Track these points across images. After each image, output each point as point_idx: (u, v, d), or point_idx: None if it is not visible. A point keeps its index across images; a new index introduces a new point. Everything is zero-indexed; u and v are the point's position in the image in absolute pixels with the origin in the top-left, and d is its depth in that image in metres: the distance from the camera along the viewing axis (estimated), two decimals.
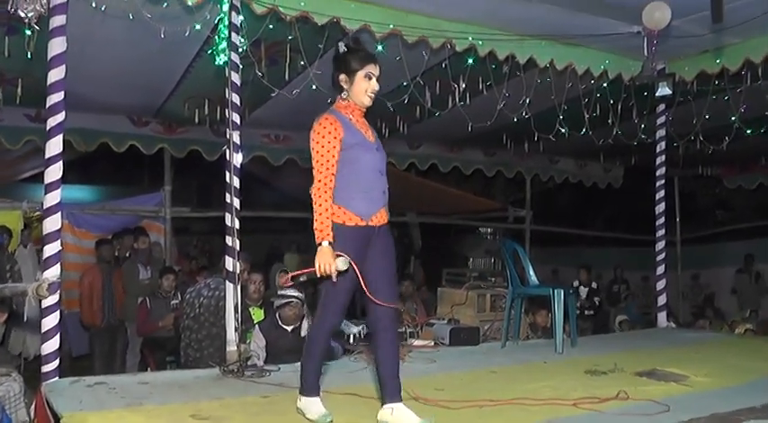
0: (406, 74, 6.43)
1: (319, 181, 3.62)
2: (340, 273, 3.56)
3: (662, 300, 8.16)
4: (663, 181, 8.12)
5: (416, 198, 13.03)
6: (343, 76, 3.79)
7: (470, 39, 6.36)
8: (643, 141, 8.72)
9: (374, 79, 3.80)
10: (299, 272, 3.84)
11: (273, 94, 6.91)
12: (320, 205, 3.60)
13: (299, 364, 5.46)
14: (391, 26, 5.96)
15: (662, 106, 8.07)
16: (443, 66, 6.68)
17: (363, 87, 3.77)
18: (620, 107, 8.06)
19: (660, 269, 8.14)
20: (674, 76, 7.27)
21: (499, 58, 6.62)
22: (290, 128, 10.32)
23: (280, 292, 6.35)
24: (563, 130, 7.92)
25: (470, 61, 6.73)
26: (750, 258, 13.88)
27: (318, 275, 3.60)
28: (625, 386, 4.61)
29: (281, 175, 12.50)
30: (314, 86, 6.19)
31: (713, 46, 7.18)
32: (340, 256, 3.55)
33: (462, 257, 7.86)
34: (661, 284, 8.16)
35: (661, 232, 8.10)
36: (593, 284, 11.12)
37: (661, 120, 8.14)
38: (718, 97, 7.92)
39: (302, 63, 6.20)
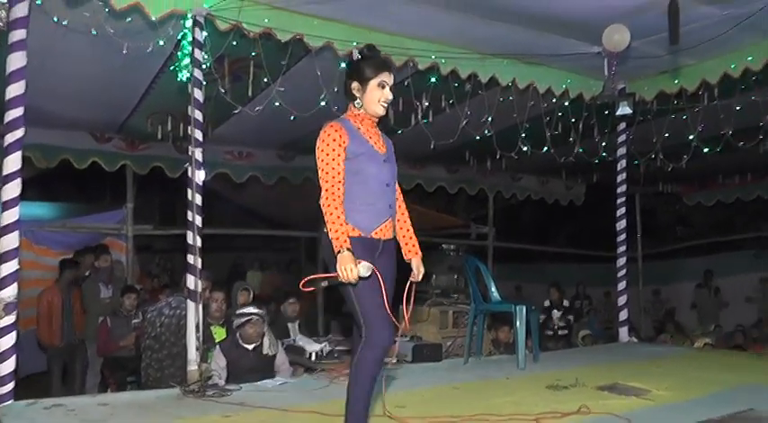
0: None
1: (326, 190, 3.50)
2: (363, 279, 3.41)
3: (623, 315, 8.25)
4: (623, 198, 8.26)
5: None
6: (355, 84, 3.67)
7: (433, 57, 6.42)
8: (604, 159, 8.85)
9: (387, 88, 3.68)
10: (320, 275, 3.71)
11: (236, 111, 6.90)
12: (331, 214, 3.46)
13: (260, 382, 5.47)
14: (354, 43, 5.93)
15: (622, 125, 8.23)
16: (406, 84, 6.71)
17: (376, 96, 3.65)
18: (581, 126, 8.16)
19: (621, 285, 8.25)
20: (635, 96, 7.42)
21: (461, 76, 6.71)
22: (253, 145, 10.30)
23: (238, 311, 6.32)
24: (525, 148, 8.01)
25: (433, 79, 6.79)
26: (709, 274, 14.09)
27: (341, 281, 3.42)
28: (586, 400, 4.65)
29: (245, 193, 12.44)
30: (277, 103, 6.22)
31: (671, 67, 7.36)
32: (362, 262, 3.39)
33: (425, 274, 7.84)
34: (622, 300, 8.26)
35: (622, 248, 8.22)
36: (565, 303, 11.11)
37: (622, 138, 8.29)
38: (676, 116, 8.09)
39: (265, 80, 6.17)
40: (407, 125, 7.49)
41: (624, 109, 7.18)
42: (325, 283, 3.61)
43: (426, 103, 7.11)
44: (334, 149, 3.53)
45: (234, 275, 13.97)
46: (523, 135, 7.81)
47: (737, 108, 7.57)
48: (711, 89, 7.35)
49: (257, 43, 5.73)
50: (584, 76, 7.60)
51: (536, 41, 6.59)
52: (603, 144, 8.66)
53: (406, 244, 3.93)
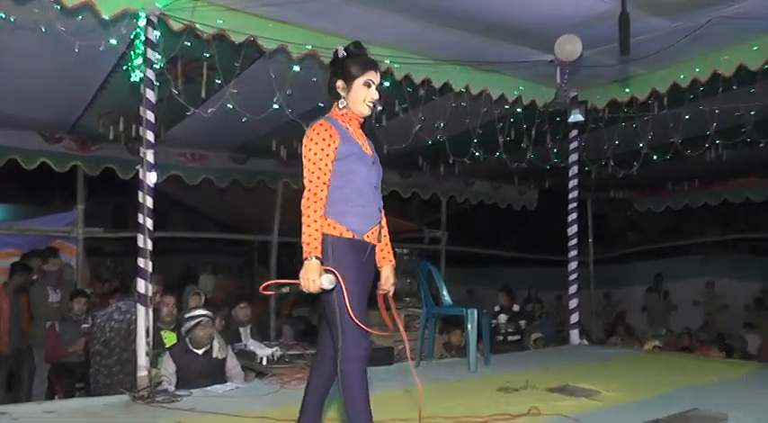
0: (323, 95, 6.43)
1: (309, 190, 3.33)
2: (325, 291, 3.27)
3: (574, 318, 8.36)
4: (575, 204, 8.36)
5: None
6: (340, 83, 3.53)
7: (387, 62, 6.42)
8: (556, 165, 8.96)
9: (374, 87, 3.55)
10: (282, 281, 3.49)
11: (189, 113, 6.87)
12: (308, 217, 3.29)
13: (210, 387, 5.42)
14: (308, 47, 5.98)
15: (574, 132, 8.34)
16: None
17: (362, 96, 3.52)
18: (533, 132, 8.24)
19: (572, 288, 8.35)
20: (586, 104, 7.56)
21: (415, 81, 6.74)
22: (206, 147, 10.23)
23: (187, 315, 6.24)
24: (477, 154, 8.07)
25: (386, 84, 6.78)
26: (659, 277, 14.37)
27: (303, 290, 3.27)
28: (537, 402, 4.71)
29: (197, 195, 12.34)
30: (230, 105, 6.18)
31: (623, 76, 7.52)
32: (328, 272, 3.26)
33: (378, 278, 7.86)
34: (573, 303, 8.36)
35: (573, 253, 8.32)
36: (515, 307, 11.15)
37: (573, 145, 8.40)
38: (627, 125, 8.24)
39: (219, 81, 6.13)
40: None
41: (576, 116, 7.32)
42: (285, 289, 3.48)
43: (380, 108, 7.09)
44: (323, 149, 3.37)
45: (186, 279, 13.85)
46: (476, 141, 7.90)
47: (686, 117, 7.76)
48: (661, 98, 7.52)
49: (211, 44, 5.67)
50: (537, 83, 7.68)
51: (490, 49, 6.65)
52: (555, 150, 8.79)
53: (382, 250, 3.75)
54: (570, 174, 8.40)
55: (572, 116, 7.36)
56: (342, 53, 3.58)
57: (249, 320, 8.20)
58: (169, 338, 6.68)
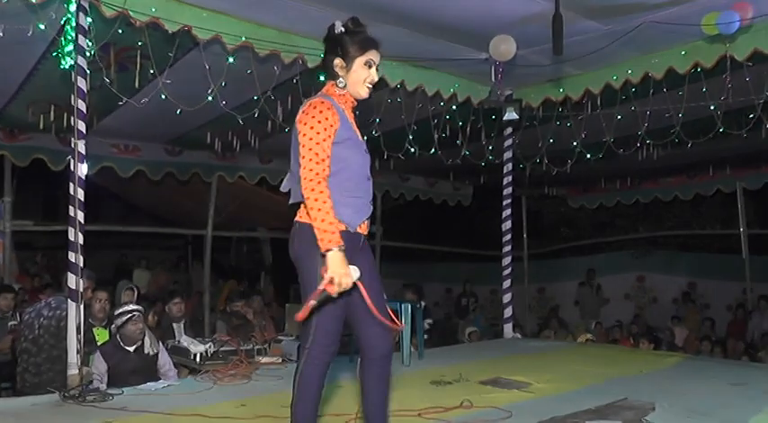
0: (256, 87, 6.41)
1: (314, 172, 3.00)
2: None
3: (508, 312, 8.48)
4: (509, 200, 8.48)
5: (267, 213, 12.94)
6: (338, 61, 3.28)
7: (322, 55, 6.35)
8: (491, 162, 9.04)
9: (374, 68, 3.32)
10: (310, 301, 2.97)
11: (122, 103, 6.72)
12: (324, 202, 2.97)
13: (142, 385, 5.31)
14: (243, 38, 5.92)
15: (509, 129, 8.47)
16: (295, 81, 6.65)
17: (362, 76, 3.30)
18: (468, 129, 8.32)
19: (506, 283, 8.47)
20: (521, 102, 7.69)
21: None
22: (139, 138, 10.05)
23: (118, 311, 6.05)
24: (413, 150, 8.10)
25: (322, 78, 6.73)
26: (591, 272, 14.63)
27: (332, 293, 2.94)
28: (469, 395, 4.78)
29: (131, 188, 12.12)
30: (164, 96, 6.08)
31: (557, 76, 7.65)
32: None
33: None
34: (507, 297, 8.49)
35: (507, 248, 8.46)
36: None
37: (508, 142, 8.53)
38: (561, 123, 8.38)
39: (152, 71, 6.00)
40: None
41: (511, 114, 7.41)
42: (314, 302, 2.98)
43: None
44: (325, 129, 3.08)
45: (120, 274, 13.63)
46: (411, 137, 7.91)
47: (618, 117, 7.92)
48: (594, 98, 7.69)
49: (144, 32, 5.55)
50: (472, 81, 7.74)
51: (425, 45, 6.68)
52: (490, 147, 8.88)
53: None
54: (505, 170, 8.52)
55: (507, 114, 7.45)
56: (339, 29, 3.35)
57: (183, 316, 8.09)
58: (101, 335, 6.53)
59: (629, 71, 7.13)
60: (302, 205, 3.19)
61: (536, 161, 9.12)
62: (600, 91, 7.47)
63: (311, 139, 3.05)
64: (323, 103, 3.16)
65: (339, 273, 2.90)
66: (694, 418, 4.45)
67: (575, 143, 8.42)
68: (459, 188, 14.12)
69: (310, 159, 3.03)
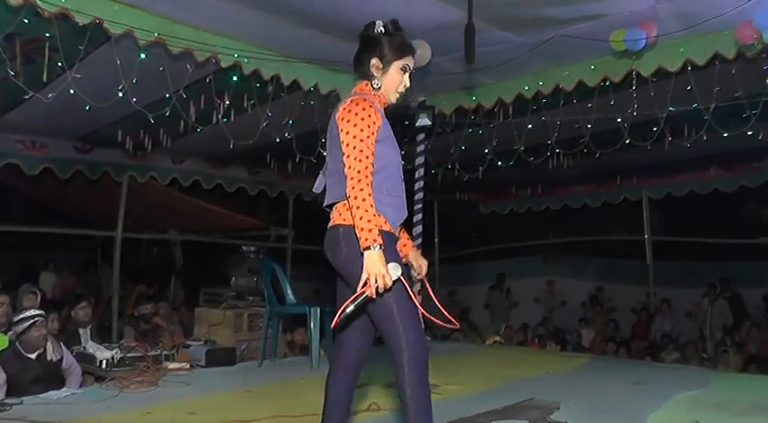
0: (169, 86, 6.27)
1: (359, 171, 2.89)
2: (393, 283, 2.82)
3: None
4: (421, 205, 8.53)
5: (179, 215, 12.72)
6: (375, 61, 3.18)
7: (236, 56, 6.34)
8: (403, 167, 9.07)
9: (407, 74, 3.25)
10: (346, 304, 2.81)
11: (28, 97, 6.44)
12: (364, 200, 2.85)
13: (44, 394, 5.10)
14: (156, 35, 5.77)
15: (421, 135, 8.50)
16: (208, 80, 6.58)
17: (397, 81, 3.22)
18: None
19: (417, 287, 8.49)
20: (434, 109, 7.77)
21: (264, 77, 6.65)
22: (47, 134, 9.65)
23: (19, 317, 5.80)
24: (324, 153, 8.06)
25: (235, 78, 6.70)
26: (502, 276, 14.88)
27: (371, 294, 2.79)
28: (377, 398, 4.79)
29: (37, 186, 11.70)
30: (72, 91, 5.90)
31: (470, 84, 7.76)
32: (390, 261, 2.82)
33: (225, 276, 7.81)
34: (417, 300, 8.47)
35: None
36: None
37: (420, 148, 8.58)
38: (473, 131, 8.49)
39: (61, 64, 5.74)
40: (208, 123, 7.34)
41: (423, 120, 7.51)
42: (351, 308, 2.81)
43: (228, 102, 6.98)
44: (369, 126, 2.98)
45: (25, 277, 13.13)
46: (323, 140, 7.87)
47: (529, 126, 8.08)
48: (506, 107, 7.82)
49: (53, 24, 5.31)
50: None
51: (340, 49, 6.64)
52: (403, 152, 8.89)
53: (400, 239, 3.31)
54: (417, 176, 8.56)
55: (419, 120, 7.55)
56: (380, 29, 3.23)
57: (90, 321, 7.86)
58: (1, 342, 6.26)
59: (541, 82, 7.31)
60: (340, 207, 3.10)
61: (448, 167, 9.22)
62: (512, 100, 7.63)
63: (355, 136, 2.95)
64: (365, 100, 3.06)
65: (376, 272, 2.77)
66: (597, 415, 4.60)
67: (486, 150, 8.56)
68: None
69: (355, 158, 2.92)
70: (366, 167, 2.92)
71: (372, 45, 3.21)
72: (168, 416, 4.27)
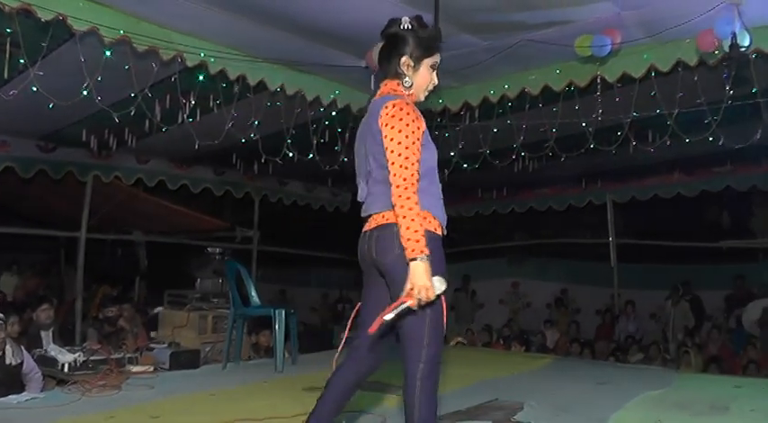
0: (134, 84, 6.18)
1: (404, 179, 2.81)
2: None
3: None
4: None
5: (144, 215, 12.61)
6: (405, 59, 3.09)
7: (202, 55, 6.29)
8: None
9: (435, 72, 3.17)
10: (387, 312, 2.76)
11: None
12: (410, 209, 2.78)
13: (4, 398, 5.01)
14: (121, 32, 5.69)
15: None
16: (173, 79, 6.53)
17: (427, 79, 3.16)
18: (347, 136, 8.34)
19: None
20: None
21: (230, 77, 6.61)
22: (9, 133, 9.49)
23: None
24: (291, 154, 8.05)
25: (201, 78, 6.66)
26: (467, 278, 14.95)
27: (413, 305, 2.75)
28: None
29: None
30: (35, 88, 5.79)
31: (437, 87, 7.69)
32: (435, 275, 2.78)
33: (190, 278, 7.77)
34: None
35: None
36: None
37: None
38: (440, 134, 8.50)
39: (23, 61, 5.65)
40: (174, 122, 7.29)
41: None
42: (391, 316, 2.77)
43: (193, 102, 6.92)
44: (413, 132, 2.89)
45: None
46: (290, 141, 7.87)
47: (495, 130, 8.13)
48: (472, 111, 7.87)
49: (14, 19, 5.22)
50: (353, 88, 7.78)
51: (306, 50, 6.68)
52: None
53: None
54: None
55: None
56: (407, 25, 3.12)
57: (52, 323, 7.76)
58: None
59: (507, 86, 7.37)
60: (388, 214, 3.00)
61: None
62: (478, 104, 7.68)
63: (400, 143, 2.87)
64: (407, 104, 2.97)
65: (421, 284, 2.73)
66: (560, 415, 4.67)
67: (452, 153, 8.57)
68: (337, 194, 14.12)
69: (401, 165, 2.84)
70: (412, 175, 2.84)
71: (401, 43, 3.13)
72: (131, 420, 4.25)
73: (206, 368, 6.48)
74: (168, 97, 6.90)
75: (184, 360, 6.34)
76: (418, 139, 2.90)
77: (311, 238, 17.04)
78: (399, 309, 2.74)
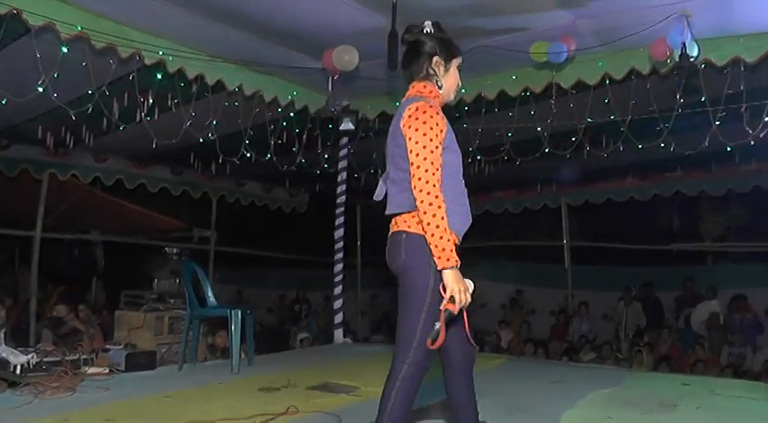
0: (92, 81, 6.11)
1: (427, 182, 2.85)
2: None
3: (339, 318, 8.62)
4: (343, 208, 8.63)
5: (101, 214, 12.48)
6: (437, 60, 3.13)
7: (160, 53, 6.28)
8: (326, 171, 9.15)
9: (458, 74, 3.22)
10: (440, 324, 2.87)
11: None
12: (434, 215, 2.82)
13: None
14: (79, 28, 5.64)
15: (345, 139, 8.61)
16: (131, 77, 6.45)
17: (456, 80, 3.21)
18: (305, 137, 8.40)
19: (337, 289, 8.60)
20: (358, 113, 7.81)
21: (188, 76, 6.61)
22: None
23: None
24: (249, 155, 8.06)
25: (159, 76, 6.62)
26: None
27: (455, 310, 2.87)
28: (297, 401, 4.82)
29: None
30: None
31: (394, 90, 7.85)
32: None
33: (148, 278, 7.73)
34: (338, 303, 8.63)
35: (339, 255, 8.60)
36: None
37: (343, 152, 8.69)
38: None
39: None
40: (132, 121, 7.23)
41: (347, 124, 7.57)
42: (438, 325, 2.88)
43: (151, 101, 6.88)
44: (437, 135, 2.92)
45: None
46: (247, 141, 7.87)
47: None
48: None
49: None
50: (311, 89, 7.85)
51: (265, 51, 6.70)
52: (326, 156, 8.98)
53: None
54: (339, 179, 8.67)
55: (343, 124, 7.61)
56: (430, 29, 3.18)
57: (4, 324, 7.65)
58: None
59: (464, 90, 7.44)
60: (406, 217, 3.07)
61: (371, 171, 9.29)
62: None
63: (425, 146, 2.90)
64: (431, 107, 3.00)
65: (460, 289, 2.83)
66: (513, 414, 4.73)
67: None
68: (294, 195, 14.12)
69: (425, 169, 2.87)
70: (437, 178, 2.87)
71: (430, 45, 3.16)
72: (86, 422, 4.19)
73: (162, 369, 6.40)
74: (126, 95, 6.84)
75: (140, 361, 6.25)
76: (441, 142, 2.93)
77: (269, 238, 17.03)
78: (446, 317, 2.86)
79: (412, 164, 2.91)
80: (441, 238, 2.83)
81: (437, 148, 2.91)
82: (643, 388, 5.93)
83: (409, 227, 3.04)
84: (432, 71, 3.16)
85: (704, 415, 4.83)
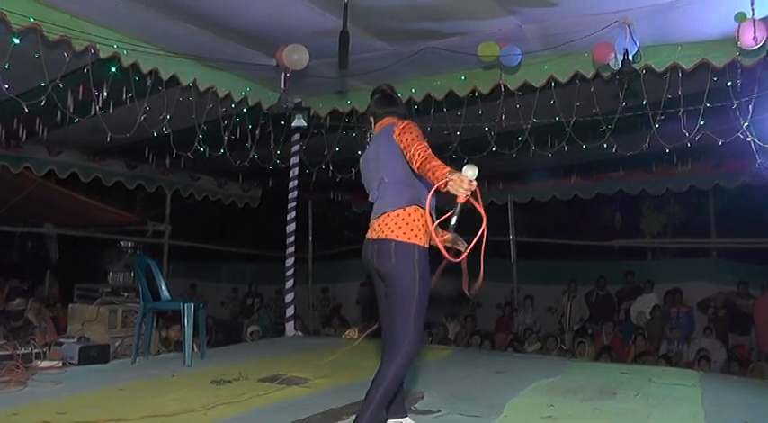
0: (45, 74, 6.04)
1: (426, 149, 3.55)
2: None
3: (290, 311, 8.76)
4: (295, 203, 8.76)
5: (55, 208, 12.37)
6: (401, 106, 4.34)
7: (115, 47, 6.27)
8: (279, 166, 9.24)
9: None
10: (449, 215, 3.39)
11: None
12: (434, 165, 3.38)
13: None
14: (31, 19, 5.55)
15: (297, 136, 8.74)
16: (86, 70, 6.41)
17: None
18: (258, 133, 8.47)
19: (289, 283, 8.72)
20: (309, 110, 7.93)
21: (143, 70, 6.61)
22: None
23: None
24: (202, 149, 8.12)
25: (113, 70, 6.62)
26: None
27: (463, 201, 3.26)
28: (247, 392, 4.93)
29: None
30: None
31: (345, 88, 8.02)
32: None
33: (102, 271, 7.72)
34: (289, 297, 8.78)
35: (291, 249, 8.73)
36: None
37: (295, 148, 8.84)
38: (347, 133, 8.72)
39: None
40: (86, 114, 7.15)
41: (299, 121, 7.69)
42: (454, 220, 3.41)
43: (106, 94, 6.88)
44: (420, 134, 3.72)
45: None
46: (201, 136, 7.93)
47: None
48: None
49: None
50: (264, 86, 7.94)
51: (218, 47, 6.75)
52: (279, 152, 9.07)
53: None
54: (291, 175, 8.82)
55: (295, 121, 7.73)
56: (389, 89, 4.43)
57: None
58: None
59: (413, 90, 7.70)
60: (393, 216, 3.78)
61: (322, 167, 9.41)
62: None
63: (419, 135, 3.68)
64: (415, 125, 3.80)
65: (460, 183, 3.19)
66: (458, 403, 4.89)
67: (359, 152, 8.77)
68: (247, 190, 14.16)
69: (423, 146, 3.56)
70: (428, 150, 3.53)
71: (393, 97, 4.34)
72: (36, 416, 4.16)
73: (115, 363, 6.39)
74: (81, 88, 6.83)
75: (94, 355, 6.23)
76: (424, 137, 3.70)
77: (222, 233, 17.04)
78: (457, 210, 3.34)
79: (411, 147, 3.61)
80: (437, 170, 3.33)
81: (424, 139, 3.67)
82: (584, 377, 6.16)
83: (397, 236, 3.71)
84: (401, 114, 4.17)
85: (642, 401, 5.08)
